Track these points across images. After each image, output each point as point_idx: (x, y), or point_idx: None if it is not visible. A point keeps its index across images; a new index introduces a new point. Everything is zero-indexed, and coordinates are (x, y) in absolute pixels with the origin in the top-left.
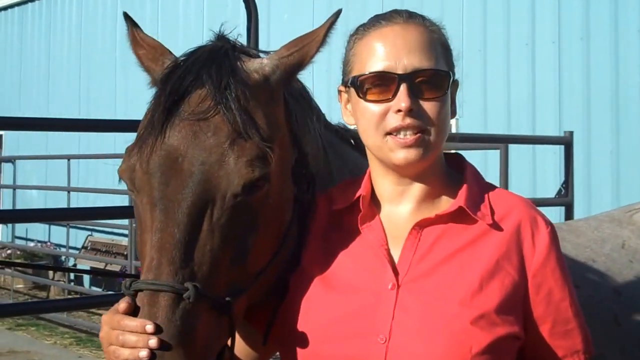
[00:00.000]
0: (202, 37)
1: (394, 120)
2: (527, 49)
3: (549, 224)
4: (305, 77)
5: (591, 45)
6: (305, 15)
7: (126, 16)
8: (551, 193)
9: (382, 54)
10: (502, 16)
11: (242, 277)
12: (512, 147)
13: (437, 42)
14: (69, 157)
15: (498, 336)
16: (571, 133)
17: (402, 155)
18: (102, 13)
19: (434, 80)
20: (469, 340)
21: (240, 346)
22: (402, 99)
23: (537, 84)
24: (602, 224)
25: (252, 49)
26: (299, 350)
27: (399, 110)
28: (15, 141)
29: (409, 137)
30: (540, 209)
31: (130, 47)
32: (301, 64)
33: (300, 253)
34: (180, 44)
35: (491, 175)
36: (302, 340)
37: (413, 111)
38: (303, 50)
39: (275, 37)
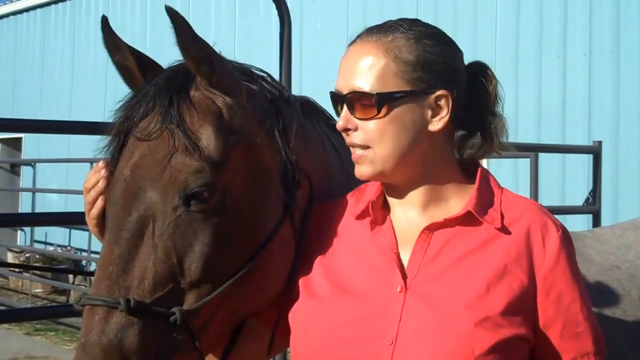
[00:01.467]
0: (234, 43)
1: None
2: (559, 61)
3: (560, 227)
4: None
5: (621, 58)
6: (339, 24)
7: (104, 22)
8: (579, 201)
9: (339, 73)
10: (534, 29)
11: (200, 288)
12: (542, 156)
13: (386, 61)
14: (91, 161)
15: (503, 337)
16: (600, 143)
17: (357, 170)
18: (130, 15)
19: (365, 102)
20: (473, 341)
21: (248, 349)
22: (340, 117)
23: (568, 94)
24: (626, 231)
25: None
26: (308, 352)
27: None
28: (35, 144)
29: (355, 154)
30: (568, 216)
31: (114, 57)
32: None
33: (303, 258)
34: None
35: (521, 183)
36: (312, 343)
37: (351, 130)
38: None
39: (308, 45)
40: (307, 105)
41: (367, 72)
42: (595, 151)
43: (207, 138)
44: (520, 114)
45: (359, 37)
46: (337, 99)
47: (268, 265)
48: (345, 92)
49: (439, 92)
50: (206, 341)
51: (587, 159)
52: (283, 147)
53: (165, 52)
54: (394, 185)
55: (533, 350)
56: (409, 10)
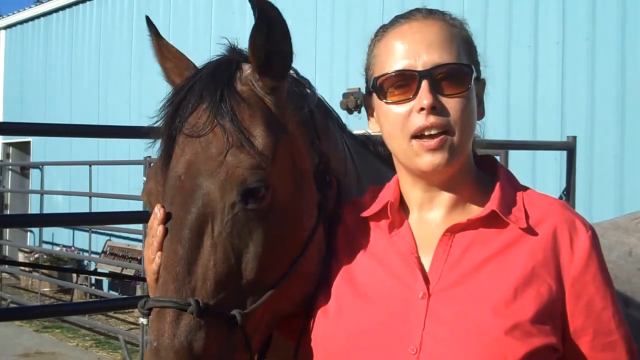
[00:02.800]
0: (210, 40)
1: (418, 120)
2: (530, 51)
3: (589, 228)
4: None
5: (597, 46)
6: (309, 23)
7: (148, 21)
8: None
9: (401, 52)
10: (504, 17)
11: (254, 290)
12: (512, 153)
13: (458, 37)
14: (90, 164)
15: (534, 347)
16: (574, 138)
17: (428, 160)
18: (119, 23)
19: (455, 76)
20: (503, 351)
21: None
22: (424, 96)
23: (539, 87)
24: (607, 231)
25: None
26: (328, 358)
27: (422, 109)
28: (42, 148)
29: (432, 140)
30: None
31: (156, 57)
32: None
33: (330, 261)
34: (190, 50)
35: None
36: (331, 351)
37: (436, 109)
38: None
39: None
40: (322, 104)
41: (452, 45)
42: (569, 147)
43: (259, 134)
44: (488, 109)
45: (411, 15)
46: (411, 77)
47: (306, 267)
48: (425, 67)
49: (482, 81)
50: (256, 344)
51: (559, 155)
52: (318, 146)
53: (150, 62)
54: (429, 186)
55: (561, 359)
56: (376, 7)
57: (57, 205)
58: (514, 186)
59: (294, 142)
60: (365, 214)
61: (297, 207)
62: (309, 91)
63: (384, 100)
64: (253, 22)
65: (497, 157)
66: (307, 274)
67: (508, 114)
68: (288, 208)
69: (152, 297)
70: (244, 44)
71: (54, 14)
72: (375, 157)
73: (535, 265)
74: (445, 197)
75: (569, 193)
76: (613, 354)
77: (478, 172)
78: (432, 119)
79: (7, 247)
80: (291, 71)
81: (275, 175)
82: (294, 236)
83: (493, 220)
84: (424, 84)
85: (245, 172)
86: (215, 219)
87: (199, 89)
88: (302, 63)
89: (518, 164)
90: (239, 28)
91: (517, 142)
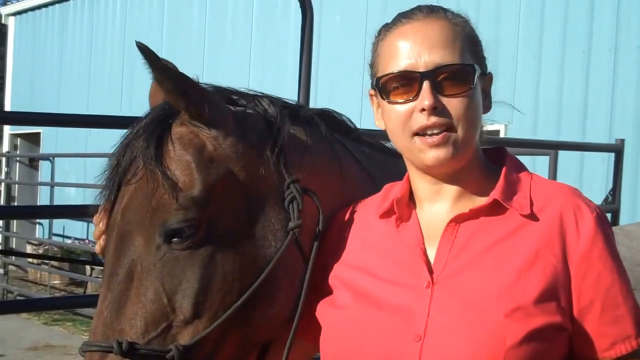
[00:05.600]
0: (251, 35)
1: (420, 119)
2: (583, 56)
3: (594, 209)
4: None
5: None
6: (359, 18)
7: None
8: (597, 200)
9: (402, 52)
10: (560, 23)
11: (198, 322)
12: (562, 153)
13: (460, 35)
14: (109, 156)
15: (535, 327)
16: (622, 141)
17: (432, 155)
18: (148, 12)
19: (458, 76)
20: (503, 333)
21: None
22: (425, 97)
23: (590, 91)
24: None
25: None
26: (337, 346)
27: (423, 109)
28: (54, 139)
29: (435, 136)
30: None
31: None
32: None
33: (320, 274)
34: (228, 43)
35: None
36: (342, 347)
37: (438, 109)
38: None
39: (326, 40)
40: (325, 117)
41: (454, 45)
42: (617, 149)
43: (187, 174)
44: (540, 110)
45: (413, 14)
46: (412, 78)
47: (274, 291)
48: (427, 67)
49: (489, 75)
50: None
51: (607, 157)
52: (278, 169)
53: (182, 50)
54: (435, 179)
55: (571, 338)
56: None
57: (69, 198)
58: (521, 175)
59: (244, 170)
60: (376, 213)
61: (250, 234)
62: (277, 112)
63: (387, 100)
64: (299, 16)
65: (547, 157)
66: (275, 297)
67: (559, 115)
68: (236, 237)
69: (84, 342)
70: (285, 39)
71: (71, 1)
72: (394, 156)
73: (539, 249)
74: (452, 190)
75: (614, 193)
76: (621, 327)
77: (487, 163)
78: (434, 119)
79: (14, 239)
80: (260, 93)
81: (213, 210)
82: (247, 263)
83: (497, 209)
84: (426, 84)
85: (166, 214)
86: (143, 262)
87: (140, 133)
88: (351, 56)
89: (567, 164)
90: (281, 23)
91: (567, 142)
